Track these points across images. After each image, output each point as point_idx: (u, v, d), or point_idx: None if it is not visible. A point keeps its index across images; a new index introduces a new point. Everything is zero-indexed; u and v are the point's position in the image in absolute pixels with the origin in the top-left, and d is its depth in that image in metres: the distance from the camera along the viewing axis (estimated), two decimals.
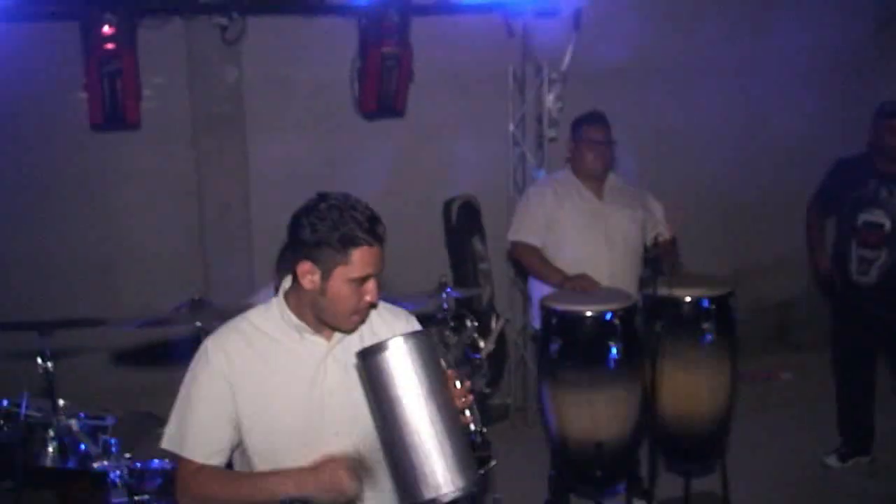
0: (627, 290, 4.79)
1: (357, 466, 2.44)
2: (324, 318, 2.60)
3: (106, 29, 5.16)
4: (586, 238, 5.04)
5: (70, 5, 5.09)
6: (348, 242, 2.48)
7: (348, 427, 2.63)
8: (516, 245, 5.21)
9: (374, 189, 6.10)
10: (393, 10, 5.66)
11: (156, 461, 3.91)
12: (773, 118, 7.34)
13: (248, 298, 4.73)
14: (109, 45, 5.21)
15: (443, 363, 2.44)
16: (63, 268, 5.95)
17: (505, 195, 6.46)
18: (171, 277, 5.93)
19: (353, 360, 2.50)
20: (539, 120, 6.47)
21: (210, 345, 2.63)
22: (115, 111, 5.36)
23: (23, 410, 3.95)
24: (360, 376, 2.49)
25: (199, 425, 2.59)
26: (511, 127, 6.47)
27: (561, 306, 4.56)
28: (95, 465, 3.82)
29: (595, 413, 4.47)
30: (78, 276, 6.00)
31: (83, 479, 4.08)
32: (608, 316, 4.46)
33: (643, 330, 4.63)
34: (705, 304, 4.66)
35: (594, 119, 5.11)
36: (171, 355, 5.11)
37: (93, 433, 3.95)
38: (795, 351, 7.51)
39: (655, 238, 4.81)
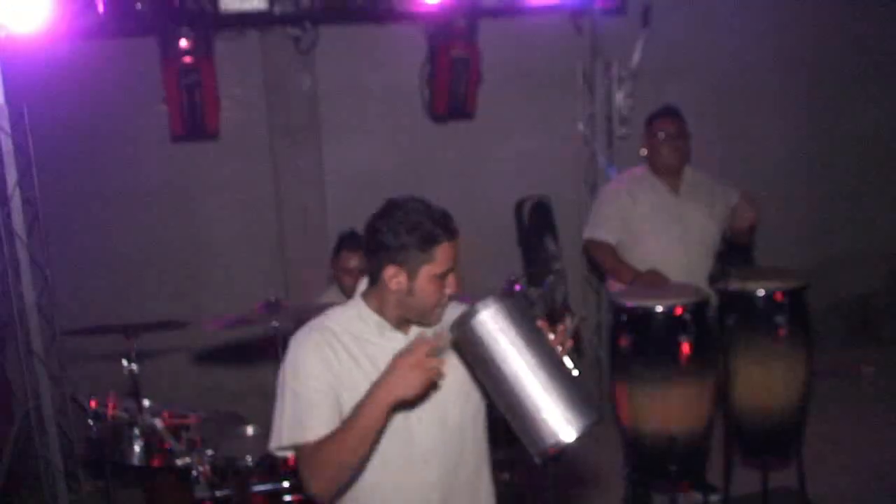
0: (699, 285, 4.78)
1: (417, 347, 2.46)
2: (410, 315, 2.70)
3: (183, 42, 5.34)
4: (661, 235, 5.03)
5: (148, 21, 5.27)
6: (430, 241, 2.58)
7: (430, 412, 2.71)
8: (591, 243, 5.22)
9: (447, 190, 6.24)
10: (460, 13, 5.73)
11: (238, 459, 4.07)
12: (849, 111, 7.26)
13: (316, 299, 4.90)
14: (187, 58, 5.39)
15: (532, 315, 2.50)
16: (148, 273, 6.19)
17: (576, 194, 6.48)
18: (251, 281, 6.10)
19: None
20: (609, 118, 6.49)
21: (303, 340, 2.70)
22: (195, 121, 5.55)
23: (110, 411, 4.14)
24: (458, 349, 2.58)
25: (312, 409, 2.61)
26: (581, 126, 6.50)
27: (631, 302, 4.57)
28: (179, 462, 3.98)
29: (668, 408, 4.46)
30: (162, 282, 6.22)
31: (169, 476, 4.23)
32: (678, 311, 4.46)
33: (716, 324, 4.63)
34: (779, 297, 4.62)
35: (666, 113, 5.08)
36: (251, 356, 5.29)
37: (176, 432, 4.11)
38: (878, 344, 7.37)
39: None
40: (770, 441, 4.78)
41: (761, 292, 4.62)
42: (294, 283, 6.18)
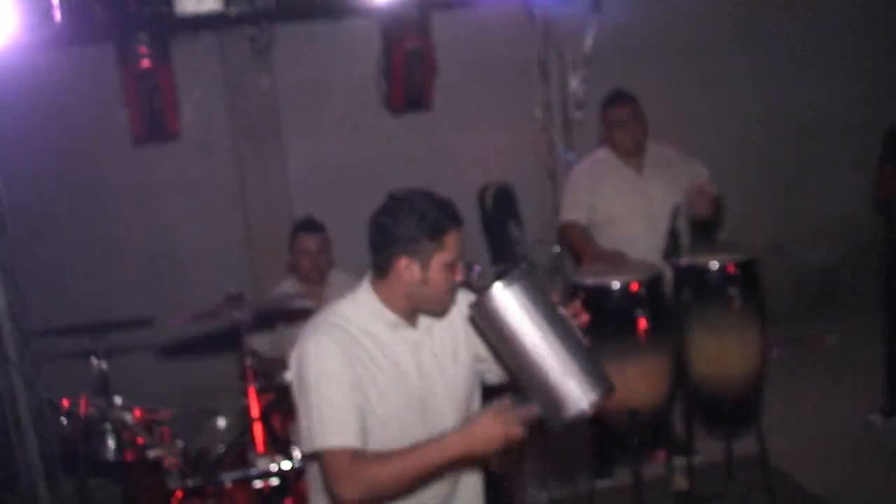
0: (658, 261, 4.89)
1: (505, 412, 2.53)
2: (422, 305, 2.75)
3: (141, 47, 5.42)
4: (628, 215, 5.15)
5: (104, 28, 5.33)
6: (440, 230, 2.63)
7: (448, 405, 2.80)
8: (565, 226, 5.34)
9: (409, 182, 6.30)
10: (413, 6, 5.80)
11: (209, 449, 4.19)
12: (806, 84, 7.35)
13: (273, 289, 5.01)
14: (145, 63, 5.47)
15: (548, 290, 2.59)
16: (116, 274, 6.28)
17: (536, 180, 6.59)
18: (219, 278, 6.15)
19: (440, 344, 2.77)
20: (565, 104, 6.60)
21: (324, 340, 2.66)
22: (155, 124, 5.63)
23: (82, 409, 4.23)
24: (478, 326, 2.68)
25: (343, 412, 2.61)
26: (538, 113, 6.60)
27: (587, 280, 4.69)
28: (151, 454, 4.07)
29: (627, 382, 4.47)
30: (131, 281, 6.31)
31: (144, 469, 4.32)
32: (634, 287, 4.58)
33: (671, 298, 4.75)
34: (731, 270, 4.73)
35: (618, 98, 5.19)
36: (217, 349, 5.38)
37: (148, 426, 4.21)
38: (842, 316, 7.46)
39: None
40: (730, 410, 4.87)
41: (714, 265, 4.71)
42: (261, 278, 6.27)
